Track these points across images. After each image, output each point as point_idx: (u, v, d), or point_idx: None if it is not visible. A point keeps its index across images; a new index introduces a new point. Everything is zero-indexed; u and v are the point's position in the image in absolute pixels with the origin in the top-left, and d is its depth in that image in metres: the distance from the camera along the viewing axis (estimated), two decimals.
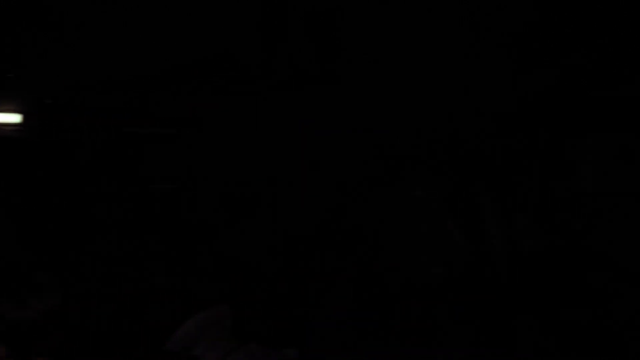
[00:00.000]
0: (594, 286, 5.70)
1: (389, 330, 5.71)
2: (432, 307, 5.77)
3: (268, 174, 6.10)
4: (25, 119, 6.02)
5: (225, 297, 5.76)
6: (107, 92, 6.17)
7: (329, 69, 6.30)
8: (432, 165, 6.03)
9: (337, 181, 6.05)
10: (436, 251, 5.90)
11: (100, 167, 6.07)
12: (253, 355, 5.30)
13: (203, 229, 6.06)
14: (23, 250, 5.83)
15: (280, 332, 5.67)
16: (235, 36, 6.27)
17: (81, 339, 5.44)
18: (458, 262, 5.85)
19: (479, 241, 5.86)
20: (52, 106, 6.06)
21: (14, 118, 6.02)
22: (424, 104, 6.24)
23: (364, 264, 5.93)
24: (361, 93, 6.24)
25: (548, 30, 6.25)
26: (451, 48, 6.26)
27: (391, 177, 6.04)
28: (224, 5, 6.26)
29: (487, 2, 6.23)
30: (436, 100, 6.24)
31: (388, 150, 6.08)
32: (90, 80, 6.18)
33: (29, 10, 6.16)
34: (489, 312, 5.71)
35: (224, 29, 6.27)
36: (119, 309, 5.74)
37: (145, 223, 6.04)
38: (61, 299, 5.58)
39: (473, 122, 6.22)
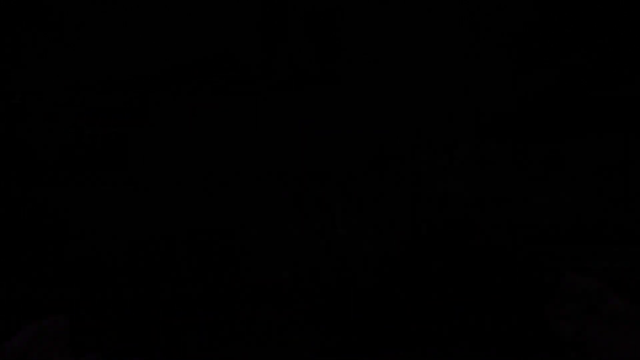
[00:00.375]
0: (445, 286, 5.70)
1: (238, 333, 5.61)
2: (282, 309, 5.69)
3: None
4: None
5: (61, 306, 5.58)
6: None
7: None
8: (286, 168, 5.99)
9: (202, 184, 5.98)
10: (285, 254, 5.81)
11: None
12: None
13: (48, 233, 5.86)
14: None
15: (124, 341, 5.51)
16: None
17: None
18: (306, 265, 5.77)
19: (329, 243, 5.80)
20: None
21: None
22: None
23: (215, 269, 5.84)
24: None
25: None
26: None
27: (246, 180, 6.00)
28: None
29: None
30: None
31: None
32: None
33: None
34: (338, 313, 5.65)
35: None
36: None
37: None
38: None
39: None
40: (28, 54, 6.16)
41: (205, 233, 5.89)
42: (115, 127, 6.14)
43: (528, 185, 5.92)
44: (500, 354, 5.18)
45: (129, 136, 6.14)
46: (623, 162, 5.90)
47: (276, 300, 5.73)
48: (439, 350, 5.33)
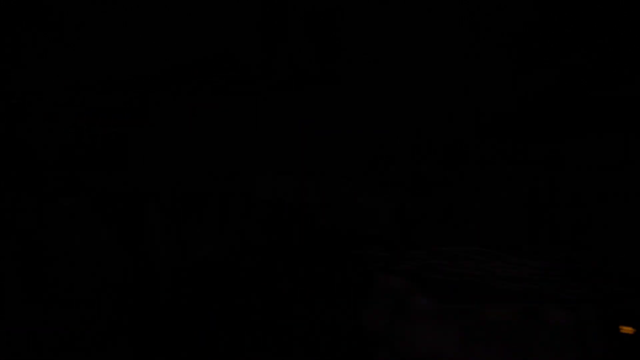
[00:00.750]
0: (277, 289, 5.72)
1: (52, 338, 5.51)
2: (89, 315, 5.62)
3: None
4: None
5: None
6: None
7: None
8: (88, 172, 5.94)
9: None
10: (91, 261, 5.75)
11: None
12: None
13: None
14: None
15: None
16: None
17: None
18: (115, 272, 5.72)
19: (140, 251, 5.75)
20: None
21: None
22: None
23: (27, 272, 5.76)
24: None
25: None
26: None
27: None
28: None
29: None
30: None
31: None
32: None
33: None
34: (147, 321, 5.59)
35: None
36: None
37: None
38: None
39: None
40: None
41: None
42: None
43: (350, 189, 6.02)
44: (315, 354, 5.26)
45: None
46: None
47: (86, 309, 5.67)
48: (254, 353, 5.33)
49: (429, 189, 5.99)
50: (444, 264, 5.17)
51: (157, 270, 5.70)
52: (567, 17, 6.24)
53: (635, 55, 6.20)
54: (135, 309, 5.62)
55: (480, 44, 6.25)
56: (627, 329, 5.23)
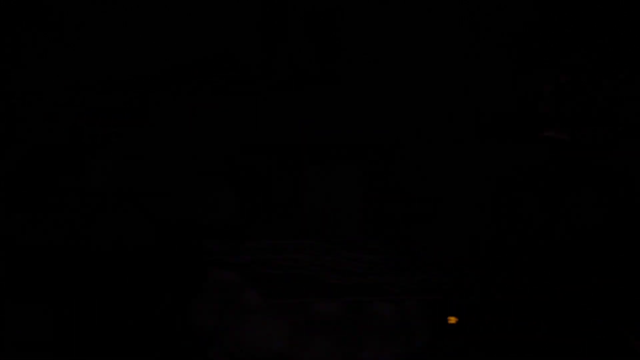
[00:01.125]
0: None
1: None
2: None
3: None
4: None
5: None
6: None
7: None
8: None
9: None
10: None
11: None
12: None
13: None
14: None
15: None
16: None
17: None
18: None
19: None
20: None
21: None
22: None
23: None
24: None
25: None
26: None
27: None
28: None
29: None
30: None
31: None
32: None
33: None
34: None
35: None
36: None
37: None
38: None
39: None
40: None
41: None
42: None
43: (190, 180, 6.05)
44: (143, 351, 5.21)
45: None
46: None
47: None
48: (77, 351, 5.27)
49: (268, 184, 6.05)
50: (278, 258, 5.20)
51: None
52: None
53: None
54: None
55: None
56: (451, 319, 5.42)
